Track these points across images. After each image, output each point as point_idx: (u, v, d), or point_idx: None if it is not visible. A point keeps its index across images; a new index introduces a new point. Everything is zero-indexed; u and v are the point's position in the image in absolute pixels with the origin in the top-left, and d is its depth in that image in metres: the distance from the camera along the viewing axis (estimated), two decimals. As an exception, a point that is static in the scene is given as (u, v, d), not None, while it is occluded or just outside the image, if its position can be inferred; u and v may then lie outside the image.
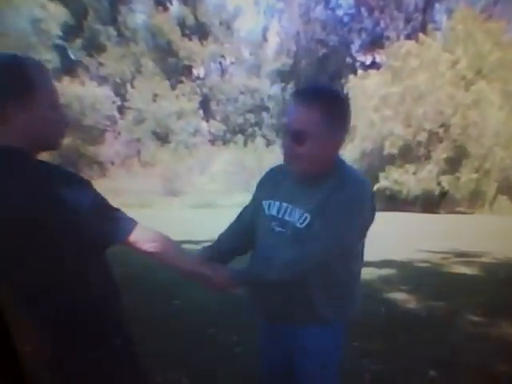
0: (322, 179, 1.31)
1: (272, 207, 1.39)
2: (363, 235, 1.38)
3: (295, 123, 1.25)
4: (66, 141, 23.72)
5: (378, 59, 31.11)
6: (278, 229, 1.35)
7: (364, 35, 35.83)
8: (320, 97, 1.26)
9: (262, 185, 1.54)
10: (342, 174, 1.33)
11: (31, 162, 1.09)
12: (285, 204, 1.36)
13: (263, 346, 1.53)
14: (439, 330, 3.57)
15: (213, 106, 34.58)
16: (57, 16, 26.19)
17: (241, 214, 1.61)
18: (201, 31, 34.18)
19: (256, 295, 1.44)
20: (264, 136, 32.13)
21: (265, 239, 1.39)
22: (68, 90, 23.93)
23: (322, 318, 1.35)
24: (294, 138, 1.26)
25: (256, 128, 33.67)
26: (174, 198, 24.29)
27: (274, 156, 22.24)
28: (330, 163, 1.34)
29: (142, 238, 1.15)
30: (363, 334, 2.98)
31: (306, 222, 1.28)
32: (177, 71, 33.58)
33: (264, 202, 1.42)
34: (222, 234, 1.58)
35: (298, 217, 1.30)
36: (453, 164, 21.03)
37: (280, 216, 1.35)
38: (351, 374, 2.40)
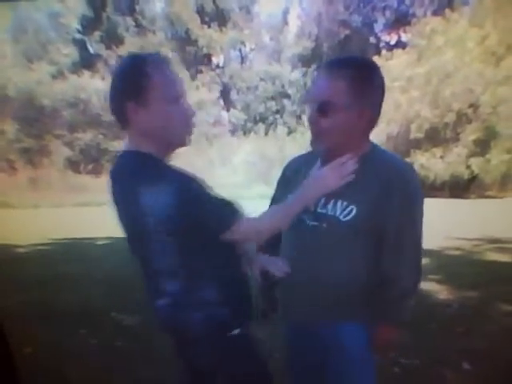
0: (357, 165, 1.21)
1: None
2: None
3: (320, 94, 1.17)
4: (87, 137, 24.23)
5: (403, 38, 30.01)
6: (312, 223, 1.24)
7: (388, 13, 34.60)
8: (345, 64, 1.18)
9: (284, 180, 1.45)
10: (383, 159, 1.23)
11: (159, 166, 1.13)
12: None
13: (292, 346, 1.45)
14: (472, 320, 3.46)
15: (233, 95, 34.44)
16: (75, 9, 26.35)
17: None
18: (220, 17, 33.85)
19: (294, 294, 1.33)
20: (285, 124, 31.83)
21: (295, 234, 1.30)
22: (88, 84, 24.19)
23: (362, 316, 1.27)
24: (319, 109, 1.17)
25: (277, 116, 33.39)
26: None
27: (296, 144, 22.12)
28: (363, 143, 1.24)
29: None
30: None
31: (352, 214, 1.17)
32: (196, 60, 33.56)
33: (290, 196, 1.30)
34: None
35: (341, 209, 1.19)
36: (482, 146, 20.30)
37: (312, 209, 1.25)
38: (380, 368, 2.34)
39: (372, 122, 1.22)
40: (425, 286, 4.51)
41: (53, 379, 2.46)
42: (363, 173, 1.19)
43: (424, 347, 2.92)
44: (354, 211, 1.17)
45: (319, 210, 1.23)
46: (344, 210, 1.18)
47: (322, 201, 1.23)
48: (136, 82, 1.07)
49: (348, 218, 1.17)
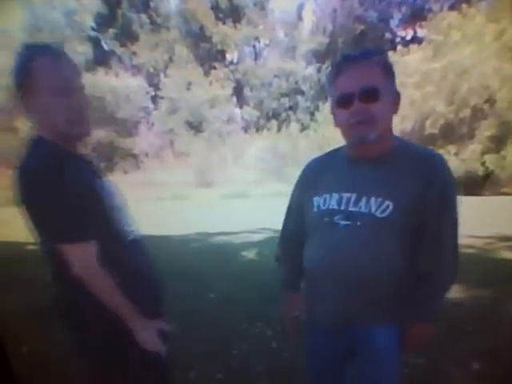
0: (384, 159, 1.18)
1: (328, 201, 1.23)
2: None
3: (362, 81, 1.11)
4: (101, 134, 24.43)
5: (419, 33, 29.53)
6: (344, 222, 1.18)
7: (404, 8, 34.12)
8: (373, 52, 1.16)
9: (305, 181, 1.37)
10: (411, 150, 1.20)
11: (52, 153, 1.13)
12: (347, 194, 1.20)
13: (315, 346, 1.38)
14: (483, 320, 3.42)
15: (246, 91, 34.40)
16: (90, 6, 26.81)
17: (288, 226, 1.43)
18: (234, 14, 33.88)
19: (328, 295, 1.25)
20: (298, 120, 31.67)
21: (325, 237, 1.22)
22: (102, 82, 24.56)
23: (396, 316, 1.23)
24: (365, 96, 1.11)
25: (290, 112, 33.24)
26: (208, 188, 24.69)
27: (309, 141, 21.99)
28: (392, 134, 1.21)
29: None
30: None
31: (389, 210, 1.12)
32: (210, 57, 33.61)
33: (315, 199, 1.26)
34: (291, 253, 1.43)
35: (376, 206, 1.14)
36: (498, 142, 19.99)
37: (343, 208, 1.19)
38: None
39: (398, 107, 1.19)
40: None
41: (53, 379, 2.44)
42: (394, 166, 1.16)
43: (432, 346, 2.91)
44: (390, 207, 1.12)
45: (351, 209, 1.18)
46: (380, 206, 1.14)
47: (353, 199, 1.18)
48: (21, 72, 1.12)
49: (385, 214, 1.13)
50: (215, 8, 33.23)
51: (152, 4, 31.76)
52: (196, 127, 31.17)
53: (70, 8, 25.99)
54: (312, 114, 29.71)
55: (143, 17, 31.36)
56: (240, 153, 28.16)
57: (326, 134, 23.87)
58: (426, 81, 21.24)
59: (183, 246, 7.95)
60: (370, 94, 1.11)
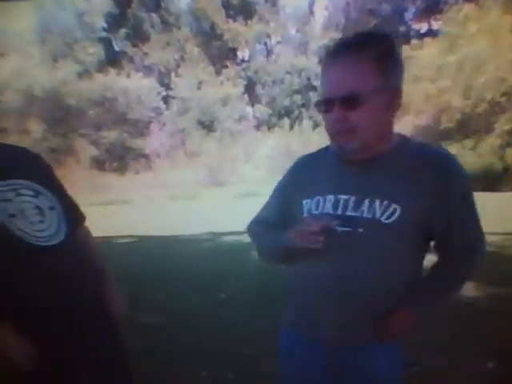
0: (383, 159, 1.06)
1: (322, 204, 1.09)
2: None
3: (343, 86, 0.97)
4: (113, 135, 24.76)
5: (434, 26, 29.04)
6: (342, 229, 1.04)
7: (419, 1, 33.56)
8: (363, 43, 0.99)
9: (290, 183, 1.25)
10: (415, 148, 1.06)
11: None
12: (344, 196, 1.06)
13: (301, 363, 1.20)
14: (500, 319, 3.35)
15: (258, 89, 34.35)
16: (100, 7, 26.84)
17: (268, 228, 1.27)
18: (246, 11, 33.69)
19: (326, 313, 1.10)
20: (311, 118, 31.45)
21: (322, 246, 1.03)
22: (114, 83, 24.82)
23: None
24: (345, 104, 0.98)
25: (303, 109, 33.06)
26: (220, 188, 24.66)
27: (321, 138, 21.81)
28: (393, 133, 1.08)
29: None
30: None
31: (396, 215, 1.00)
32: (221, 55, 33.60)
33: (305, 202, 1.13)
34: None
35: (381, 210, 1.01)
36: (517, 136, 19.51)
37: (340, 212, 1.05)
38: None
39: (400, 103, 1.04)
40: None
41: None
42: (399, 166, 1.04)
43: (447, 346, 2.85)
44: (398, 211, 1.00)
45: (350, 213, 1.05)
46: (386, 210, 1.01)
47: (352, 202, 1.05)
48: None
49: (392, 219, 1.00)
50: (226, 5, 33.17)
51: (163, 3, 31.86)
52: (208, 126, 30.99)
53: (81, 9, 26.15)
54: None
55: (154, 16, 31.37)
56: (252, 151, 28.09)
57: (340, 131, 23.73)
58: (441, 74, 20.92)
59: (195, 245, 7.99)
60: (351, 101, 0.97)
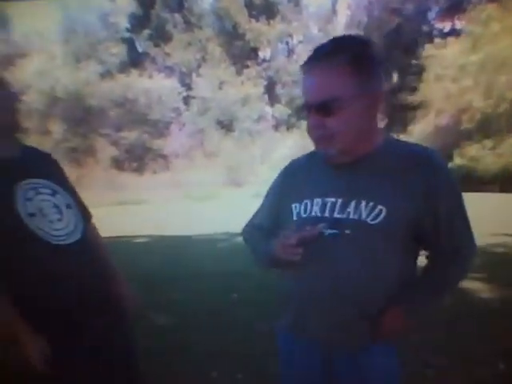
0: (368, 160, 1.06)
1: (310, 207, 1.10)
2: None
3: (320, 92, 0.98)
4: (133, 136, 24.98)
5: (457, 25, 28.50)
6: (330, 231, 1.04)
7: (442, 0, 32.92)
8: (339, 47, 0.98)
9: (282, 187, 1.26)
10: (400, 147, 1.06)
11: None
12: (331, 199, 1.07)
13: (301, 364, 1.21)
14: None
15: (278, 89, 34.19)
16: (125, 7, 27.29)
17: (260, 233, 1.32)
18: (268, 10, 33.53)
19: (317, 316, 1.11)
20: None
21: (308, 249, 1.02)
22: (136, 83, 25.06)
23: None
24: (321, 110, 0.98)
25: (322, 110, 32.77)
26: (238, 187, 24.59)
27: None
28: (378, 133, 1.07)
29: None
30: (425, 325, 2.85)
31: (382, 216, 1.00)
32: (243, 55, 33.52)
33: (294, 206, 1.14)
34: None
35: (367, 211, 1.01)
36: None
37: (327, 215, 1.06)
38: (412, 369, 2.27)
39: (380, 105, 1.04)
40: (466, 284, 4.29)
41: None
42: (385, 166, 1.04)
43: (458, 347, 2.85)
44: (383, 212, 1.00)
45: (337, 216, 1.05)
46: (371, 211, 1.01)
47: (339, 204, 1.05)
48: None
49: (378, 220, 1.00)
50: (249, 5, 33.05)
51: (186, 4, 31.92)
52: (226, 126, 30.87)
53: (105, 10, 26.57)
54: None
55: (177, 16, 31.43)
56: (270, 152, 27.89)
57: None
58: (462, 74, 20.55)
59: (211, 245, 8.02)
60: (328, 107, 0.97)
